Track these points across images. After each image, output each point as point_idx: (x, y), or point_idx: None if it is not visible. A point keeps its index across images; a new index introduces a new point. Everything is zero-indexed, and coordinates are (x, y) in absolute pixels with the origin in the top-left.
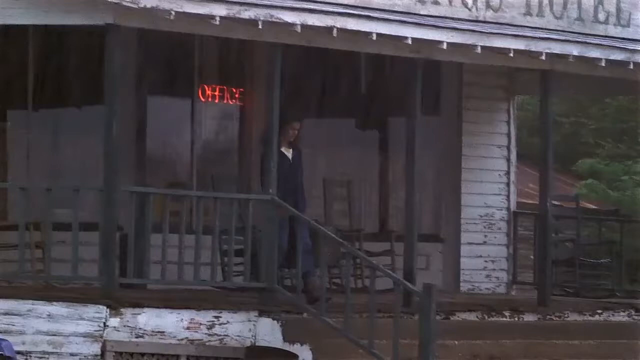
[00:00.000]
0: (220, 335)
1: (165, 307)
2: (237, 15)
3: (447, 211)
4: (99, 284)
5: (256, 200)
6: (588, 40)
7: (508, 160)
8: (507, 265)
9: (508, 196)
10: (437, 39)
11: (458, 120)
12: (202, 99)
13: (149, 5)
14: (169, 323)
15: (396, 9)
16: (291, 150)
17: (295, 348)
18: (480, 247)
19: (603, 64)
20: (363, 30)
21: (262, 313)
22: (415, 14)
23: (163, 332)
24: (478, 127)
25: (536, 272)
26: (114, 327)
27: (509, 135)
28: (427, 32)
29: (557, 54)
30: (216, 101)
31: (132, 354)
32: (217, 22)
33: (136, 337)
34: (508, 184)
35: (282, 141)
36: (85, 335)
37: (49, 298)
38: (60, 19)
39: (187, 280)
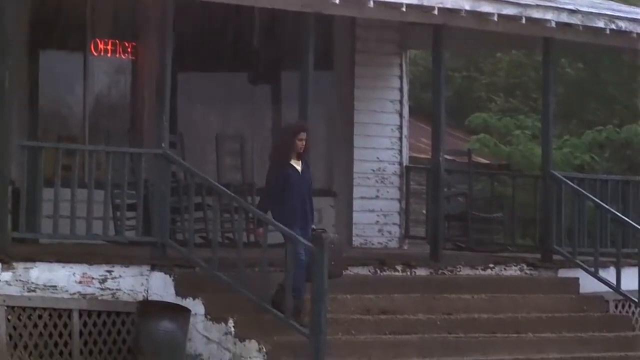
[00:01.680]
0: (112, 289)
1: (58, 261)
2: None
3: (339, 165)
4: None
5: (148, 154)
6: None
7: (400, 114)
8: (400, 219)
9: (400, 151)
10: None
11: (350, 74)
12: (95, 53)
13: None
14: (61, 277)
15: None
16: (301, 162)
17: (187, 302)
18: (373, 201)
19: (495, 19)
20: None
21: (154, 267)
22: None
23: (55, 286)
24: (370, 82)
25: (428, 227)
26: (6, 281)
27: (401, 89)
28: None
29: (449, 9)
30: (109, 55)
31: (24, 309)
32: None
33: (28, 292)
34: (400, 139)
35: (291, 154)
36: None
37: None
38: None
39: (79, 235)
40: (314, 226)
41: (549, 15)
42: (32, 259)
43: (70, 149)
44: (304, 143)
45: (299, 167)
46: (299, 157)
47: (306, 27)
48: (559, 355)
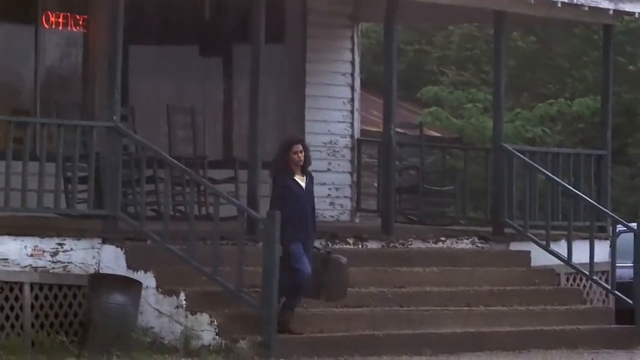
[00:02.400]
0: (64, 262)
1: (8, 234)
2: None
3: None
4: None
5: (100, 127)
6: None
7: (352, 87)
8: (351, 192)
9: (352, 124)
10: None
11: (302, 47)
12: (46, 26)
13: None
14: (12, 250)
15: None
16: (304, 177)
17: (139, 275)
18: (324, 174)
19: None
20: None
21: (105, 240)
22: None
23: (6, 259)
24: (322, 55)
25: (380, 200)
26: None
27: (353, 62)
28: None
29: None
30: (60, 28)
31: None
32: None
33: None
34: (352, 112)
35: (293, 169)
36: None
37: None
38: None
39: (30, 208)
40: (319, 245)
41: None
42: None
43: (22, 121)
44: (300, 155)
45: (302, 182)
46: (303, 172)
47: None
48: (510, 329)
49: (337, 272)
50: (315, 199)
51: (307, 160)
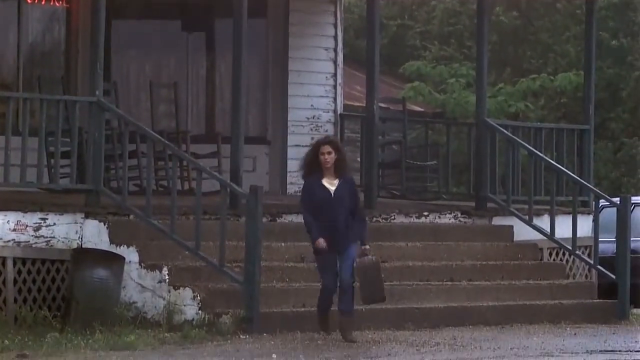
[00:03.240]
0: (46, 237)
1: None
2: None
3: (273, 113)
4: None
5: (83, 102)
6: None
7: (335, 62)
8: None
9: (335, 98)
10: None
11: (285, 22)
12: (29, 1)
13: None
14: None
15: None
16: (337, 180)
17: (121, 250)
18: (307, 149)
19: None
20: None
21: (88, 215)
22: None
23: None
24: (305, 29)
25: (363, 175)
26: None
27: (335, 37)
28: None
29: None
30: (42, 3)
31: None
32: None
33: None
34: (335, 86)
35: (324, 172)
36: None
37: None
38: None
39: (13, 182)
40: (366, 247)
41: None
42: None
43: (4, 96)
44: (327, 157)
45: (331, 186)
46: (334, 174)
47: None
48: (493, 303)
49: (366, 274)
50: (298, 174)
51: (341, 163)
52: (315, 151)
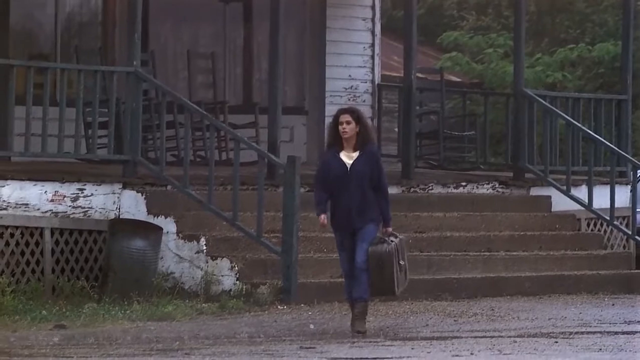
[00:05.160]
0: (84, 207)
1: (29, 179)
2: None
3: (311, 83)
4: None
5: (120, 72)
6: None
7: (372, 32)
8: None
9: (372, 69)
10: None
11: None
12: None
13: None
14: (33, 195)
15: None
16: (356, 153)
17: (159, 220)
18: None
19: None
20: None
21: (126, 185)
22: None
23: (27, 204)
24: None
25: (400, 145)
26: None
27: (373, 7)
28: None
29: None
30: None
31: None
32: None
33: (0, 210)
34: (372, 57)
35: (343, 144)
36: None
37: None
38: None
39: (50, 153)
40: (391, 229)
41: None
42: (3, 177)
43: (42, 67)
44: (346, 128)
45: (348, 159)
46: (354, 147)
47: None
48: (530, 274)
49: (379, 266)
50: None
51: (362, 135)
52: (335, 121)
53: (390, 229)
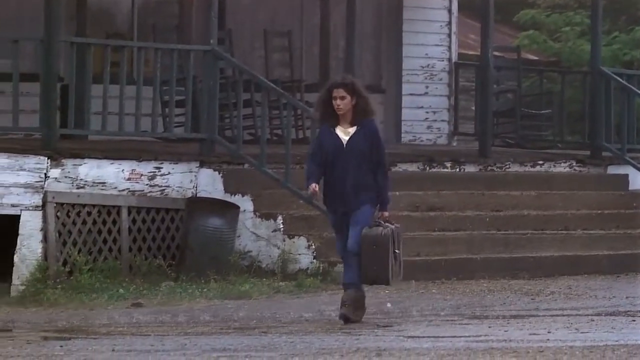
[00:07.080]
0: (161, 186)
1: (106, 158)
2: None
3: (387, 62)
4: (40, 134)
5: (197, 51)
6: None
7: (449, 11)
8: (448, 116)
9: (449, 47)
10: None
11: None
12: None
13: None
14: (110, 174)
15: None
16: (353, 128)
17: (236, 199)
18: (422, 98)
19: None
20: None
21: (203, 164)
22: None
23: (104, 182)
24: None
25: (477, 123)
26: (55, 178)
27: None
28: None
29: None
30: None
31: (73, 205)
32: None
33: (77, 188)
34: (449, 35)
35: (340, 119)
36: (26, 186)
37: None
38: None
39: (127, 131)
40: (387, 214)
41: None
42: (80, 155)
43: (119, 45)
44: (339, 103)
45: (344, 135)
46: (352, 121)
47: None
48: (608, 252)
49: (370, 252)
50: (413, 122)
51: (359, 109)
52: (327, 95)
53: (386, 214)
